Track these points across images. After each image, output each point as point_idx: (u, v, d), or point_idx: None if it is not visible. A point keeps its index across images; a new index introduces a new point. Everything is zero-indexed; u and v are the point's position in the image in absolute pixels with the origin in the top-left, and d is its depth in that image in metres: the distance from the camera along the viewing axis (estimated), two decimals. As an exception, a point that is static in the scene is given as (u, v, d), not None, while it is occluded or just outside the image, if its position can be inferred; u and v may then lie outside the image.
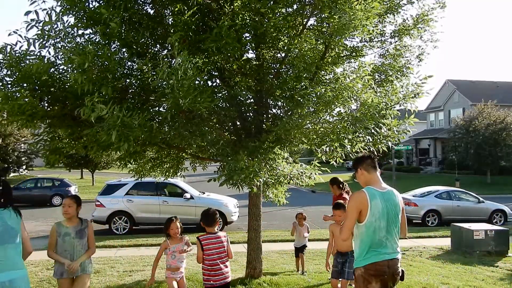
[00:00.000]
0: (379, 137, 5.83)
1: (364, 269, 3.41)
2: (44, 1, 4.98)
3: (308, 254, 9.03)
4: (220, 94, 6.06)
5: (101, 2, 5.24)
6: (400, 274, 3.51)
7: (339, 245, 5.38)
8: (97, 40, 5.22)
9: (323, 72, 6.01)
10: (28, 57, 4.92)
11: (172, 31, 5.31)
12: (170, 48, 4.87)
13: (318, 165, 6.61)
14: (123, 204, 12.54)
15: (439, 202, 14.91)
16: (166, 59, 4.62)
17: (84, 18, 5.13)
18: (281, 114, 6.22)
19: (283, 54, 6.32)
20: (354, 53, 6.47)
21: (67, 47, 4.85)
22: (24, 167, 33.10)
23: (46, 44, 5.01)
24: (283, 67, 6.26)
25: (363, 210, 3.38)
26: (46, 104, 5.28)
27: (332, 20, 5.24)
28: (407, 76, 6.75)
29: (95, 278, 7.03)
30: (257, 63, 6.16)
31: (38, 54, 5.00)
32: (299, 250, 7.51)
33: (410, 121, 5.76)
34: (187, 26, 5.15)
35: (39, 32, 4.90)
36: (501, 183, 28.92)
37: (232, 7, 5.72)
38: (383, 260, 3.39)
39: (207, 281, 4.19)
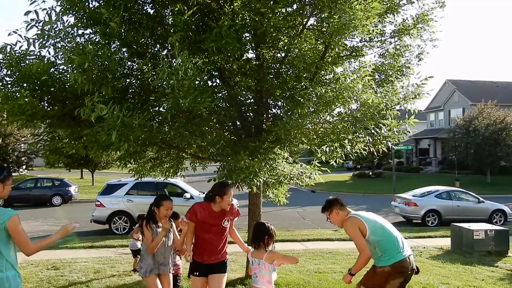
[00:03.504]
0: (379, 137, 5.82)
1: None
2: (44, 1, 4.98)
3: (308, 254, 9.05)
4: (220, 94, 6.06)
5: (101, 2, 5.24)
6: None
7: None
8: (97, 40, 5.22)
9: (323, 72, 6.01)
10: (28, 57, 4.91)
11: (172, 31, 5.31)
12: (170, 48, 4.87)
13: (318, 165, 6.61)
14: (123, 204, 12.53)
15: (439, 202, 14.90)
16: (166, 59, 4.62)
17: (84, 18, 5.13)
18: (281, 114, 6.22)
19: (283, 54, 6.31)
20: (354, 53, 6.47)
21: (67, 47, 4.85)
22: (24, 167, 33.10)
23: (46, 44, 5.01)
24: (283, 67, 6.25)
25: None
26: (46, 104, 5.28)
27: (332, 20, 5.23)
28: (407, 76, 6.75)
29: (94, 278, 7.04)
30: (257, 63, 6.16)
31: (38, 54, 5.00)
32: None
33: (410, 121, 5.75)
34: (187, 26, 5.15)
35: (39, 32, 4.90)
36: (501, 183, 28.87)
37: (232, 7, 5.72)
38: None
39: None
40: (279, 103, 6.49)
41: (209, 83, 6.30)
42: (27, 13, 4.80)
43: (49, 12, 4.95)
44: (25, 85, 4.87)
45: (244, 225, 10.09)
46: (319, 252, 9.27)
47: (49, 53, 5.13)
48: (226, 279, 6.49)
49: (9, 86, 4.93)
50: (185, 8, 5.18)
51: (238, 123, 6.43)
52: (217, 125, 6.22)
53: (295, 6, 5.95)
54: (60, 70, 5.21)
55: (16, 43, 4.92)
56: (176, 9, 5.16)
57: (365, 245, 3.84)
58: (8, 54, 4.82)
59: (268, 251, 3.92)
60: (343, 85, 5.10)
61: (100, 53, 4.61)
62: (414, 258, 4.12)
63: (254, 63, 6.22)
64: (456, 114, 37.14)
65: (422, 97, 5.87)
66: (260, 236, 3.96)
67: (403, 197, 15.57)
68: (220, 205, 4.07)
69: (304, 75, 5.80)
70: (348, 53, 6.43)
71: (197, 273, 4.15)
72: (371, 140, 5.86)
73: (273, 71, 6.34)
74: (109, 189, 13.01)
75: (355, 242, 3.91)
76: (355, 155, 6.13)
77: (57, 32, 4.95)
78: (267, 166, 5.54)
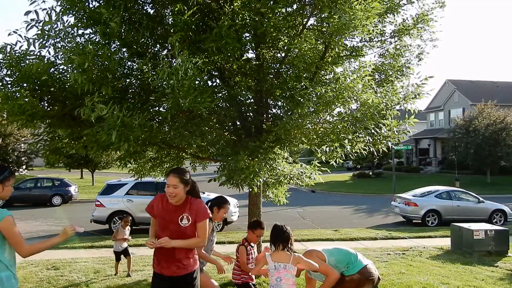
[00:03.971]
0: (379, 137, 5.83)
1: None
2: (44, 1, 4.98)
3: (308, 254, 9.03)
4: (220, 94, 6.06)
5: (101, 2, 5.25)
6: None
7: None
8: (97, 40, 5.22)
9: (323, 72, 6.01)
10: (28, 57, 4.91)
11: (172, 31, 5.31)
12: (170, 48, 4.87)
13: (318, 165, 6.62)
14: (123, 204, 12.54)
15: (439, 202, 14.90)
16: (166, 59, 4.63)
17: (84, 18, 5.13)
18: (281, 114, 6.23)
19: (283, 54, 6.31)
20: (354, 53, 6.47)
21: (67, 47, 4.85)
22: (24, 167, 33.08)
23: (46, 44, 5.01)
24: (283, 67, 6.26)
25: None
26: (46, 104, 5.28)
27: (332, 20, 5.24)
28: (407, 76, 6.75)
29: (94, 278, 7.04)
30: (257, 63, 6.16)
31: (38, 54, 5.00)
32: None
33: (410, 121, 5.76)
34: (187, 26, 5.15)
35: (39, 32, 4.90)
36: (501, 183, 28.87)
37: (232, 7, 5.72)
38: None
39: None
40: (279, 103, 6.49)
41: (209, 83, 6.30)
42: (27, 13, 4.80)
43: (49, 12, 4.95)
44: (25, 85, 4.88)
45: (244, 225, 10.10)
46: (319, 252, 9.25)
47: (49, 53, 5.14)
48: (224, 280, 6.38)
49: (9, 86, 4.93)
50: (185, 8, 5.18)
51: (238, 123, 6.43)
52: (217, 125, 6.22)
53: (295, 6, 5.95)
54: (60, 70, 5.21)
55: (16, 43, 4.93)
56: (176, 9, 5.16)
57: (330, 267, 4.00)
58: (8, 54, 4.82)
59: (293, 254, 3.89)
60: (343, 85, 5.10)
61: (100, 53, 4.61)
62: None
63: (254, 63, 6.22)
64: (456, 114, 37.14)
65: (422, 97, 5.88)
66: (282, 239, 3.89)
67: (403, 197, 15.57)
68: None
69: (304, 75, 5.80)
70: (348, 53, 6.43)
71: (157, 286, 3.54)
72: (371, 140, 5.86)
73: (273, 71, 6.35)
74: (109, 189, 13.01)
75: (320, 269, 3.98)
76: (355, 155, 6.13)
77: (57, 32, 4.95)
78: (267, 166, 5.54)
